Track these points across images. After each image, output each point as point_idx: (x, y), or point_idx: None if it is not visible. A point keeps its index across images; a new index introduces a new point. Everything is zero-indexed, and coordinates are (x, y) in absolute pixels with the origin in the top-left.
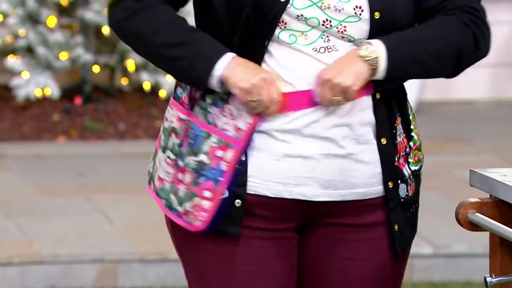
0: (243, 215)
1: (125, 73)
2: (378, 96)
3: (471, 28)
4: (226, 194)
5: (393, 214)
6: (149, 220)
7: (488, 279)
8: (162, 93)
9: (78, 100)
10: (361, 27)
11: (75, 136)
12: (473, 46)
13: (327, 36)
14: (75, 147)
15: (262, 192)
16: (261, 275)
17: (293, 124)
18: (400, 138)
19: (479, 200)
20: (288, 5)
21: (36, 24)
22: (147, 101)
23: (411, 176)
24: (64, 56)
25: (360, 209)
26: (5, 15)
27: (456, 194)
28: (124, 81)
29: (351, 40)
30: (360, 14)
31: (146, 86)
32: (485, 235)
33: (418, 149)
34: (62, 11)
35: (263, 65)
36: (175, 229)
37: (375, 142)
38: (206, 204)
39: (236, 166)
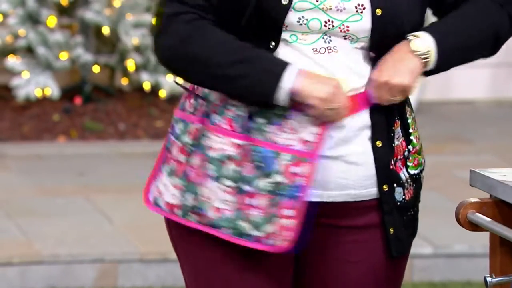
0: None
1: (125, 73)
2: None
3: (505, 7)
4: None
5: (388, 217)
6: (149, 220)
7: (488, 279)
8: (162, 93)
9: (78, 100)
10: (364, 26)
11: (75, 136)
12: (509, 26)
13: (329, 37)
14: (75, 147)
15: None
16: (256, 272)
17: None
18: (398, 141)
19: (479, 200)
20: (290, 8)
21: (36, 24)
22: (147, 101)
23: (409, 180)
24: (64, 56)
25: (353, 211)
26: (5, 15)
27: (456, 194)
28: (124, 81)
29: (353, 40)
30: (361, 12)
31: (146, 86)
32: (485, 235)
33: (418, 152)
34: (62, 11)
35: None
36: (171, 226)
37: (369, 144)
38: (290, 222)
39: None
